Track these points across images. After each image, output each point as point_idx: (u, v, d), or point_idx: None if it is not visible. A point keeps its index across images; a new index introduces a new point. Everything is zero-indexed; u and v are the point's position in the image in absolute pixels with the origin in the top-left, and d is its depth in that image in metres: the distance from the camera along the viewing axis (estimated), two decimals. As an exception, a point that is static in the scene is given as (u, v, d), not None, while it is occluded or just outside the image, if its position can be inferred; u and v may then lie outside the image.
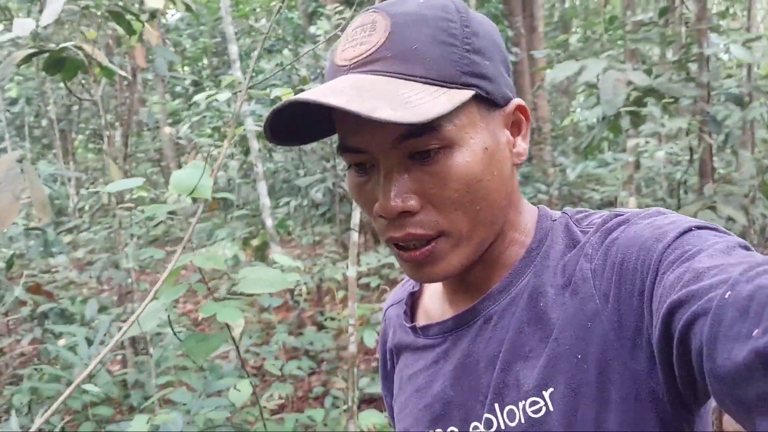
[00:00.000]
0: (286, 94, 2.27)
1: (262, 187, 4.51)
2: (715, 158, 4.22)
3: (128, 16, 2.21)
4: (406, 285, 0.98)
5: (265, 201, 4.49)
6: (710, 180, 3.34)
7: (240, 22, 8.55)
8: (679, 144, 4.61)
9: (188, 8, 2.78)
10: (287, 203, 6.65)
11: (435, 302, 0.88)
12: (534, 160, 7.96)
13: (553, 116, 11.32)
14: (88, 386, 1.79)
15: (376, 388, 3.40)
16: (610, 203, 7.23)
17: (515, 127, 0.77)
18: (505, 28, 7.74)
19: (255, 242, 5.30)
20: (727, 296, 0.49)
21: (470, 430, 0.75)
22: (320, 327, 4.85)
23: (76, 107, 9.84)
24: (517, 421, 0.70)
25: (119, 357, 3.74)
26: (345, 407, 2.79)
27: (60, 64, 2.20)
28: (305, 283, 4.49)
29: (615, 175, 7.37)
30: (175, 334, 1.44)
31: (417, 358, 0.86)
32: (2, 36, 2.08)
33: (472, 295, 0.80)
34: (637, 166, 6.68)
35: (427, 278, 0.73)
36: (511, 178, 0.76)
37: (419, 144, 0.68)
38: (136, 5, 3.16)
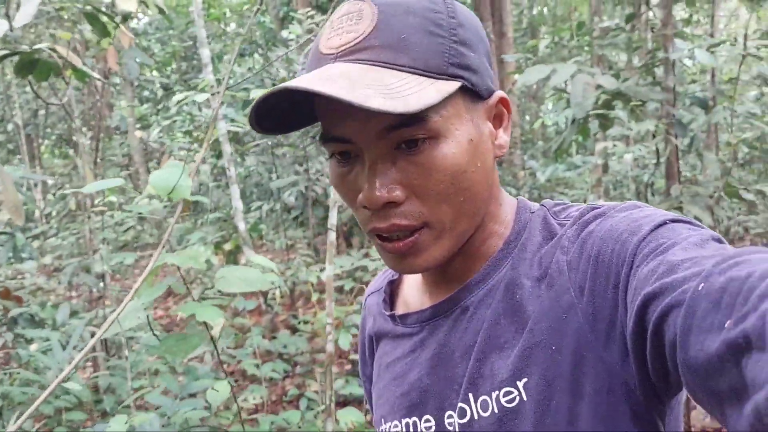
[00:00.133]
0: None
1: (235, 191, 4.49)
2: (680, 161, 4.33)
3: (103, 18, 2.19)
4: (386, 273, 0.98)
5: (238, 205, 4.46)
6: (676, 182, 3.43)
7: (210, 26, 8.50)
8: (647, 146, 4.72)
9: (161, 11, 2.77)
10: (259, 207, 6.62)
11: (414, 291, 0.89)
12: (504, 164, 8.06)
13: (522, 121, 11.45)
14: (69, 384, 1.77)
15: (351, 390, 3.41)
16: (579, 206, 7.32)
17: (497, 120, 0.77)
18: (475, 33, 7.83)
19: (227, 246, 5.27)
20: (700, 288, 0.50)
21: (445, 419, 0.76)
22: (294, 330, 4.83)
23: (42, 112, 9.68)
24: (490, 411, 0.70)
25: (89, 363, 3.69)
26: (322, 407, 2.79)
27: (32, 67, 2.18)
28: (279, 287, 4.48)
29: (584, 178, 7.50)
30: (154, 333, 1.43)
31: (395, 346, 0.86)
32: (-28, 37, 2.06)
33: (450, 286, 0.80)
34: (606, 169, 6.81)
35: (409, 269, 0.73)
36: (493, 170, 0.76)
37: (406, 134, 0.67)
38: (107, 8, 3.14)
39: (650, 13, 4.87)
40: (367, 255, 4.88)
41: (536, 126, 10.05)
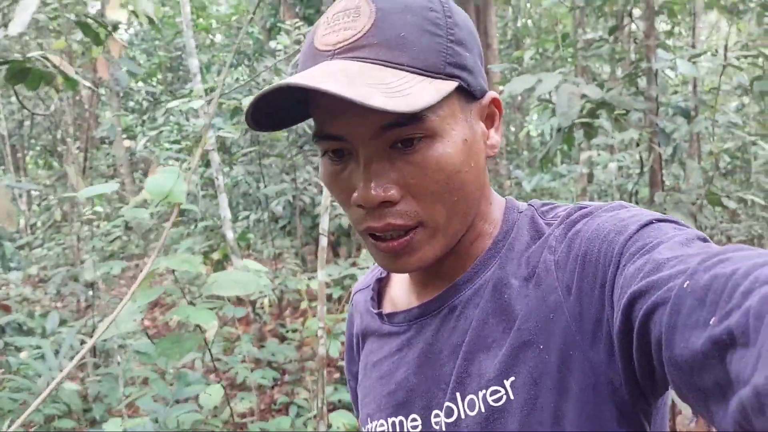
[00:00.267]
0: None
1: (223, 200, 4.49)
2: (664, 170, 4.40)
3: (95, 27, 2.21)
4: (374, 271, 0.98)
5: (226, 214, 4.47)
6: (660, 190, 3.49)
7: (197, 37, 8.52)
8: (631, 154, 4.79)
9: (151, 21, 2.79)
10: (247, 217, 6.62)
11: (401, 290, 0.89)
12: (490, 173, 8.11)
13: (507, 132, 11.54)
14: (67, 384, 1.77)
15: (340, 396, 3.42)
16: (565, 215, 7.38)
17: (489, 120, 0.77)
18: (461, 44, 7.88)
19: (215, 256, 5.27)
20: (685, 286, 0.50)
21: (431, 418, 0.76)
22: (282, 339, 4.83)
23: (27, 122, 9.63)
24: (477, 410, 0.71)
25: (78, 372, 3.68)
26: (313, 413, 2.80)
27: (23, 75, 2.19)
28: (267, 296, 4.48)
29: (569, 187, 7.57)
30: (149, 336, 1.45)
31: (382, 344, 0.86)
32: (-34, 45, 2.07)
33: (438, 285, 0.81)
34: (591, 179, 6.88)
35: (402, 269, 0.73)
36: (485, 170, 0.77)
37: (402, 134, 0.67)
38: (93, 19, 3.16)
39: (633, 25, 4.95)
40: (354, 264, 4.90)
41: (522, 136, 10.13)
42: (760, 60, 4.24)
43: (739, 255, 0.50)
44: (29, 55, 2.05)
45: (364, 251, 5.25)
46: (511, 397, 0.68)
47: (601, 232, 0.67)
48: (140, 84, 10.93)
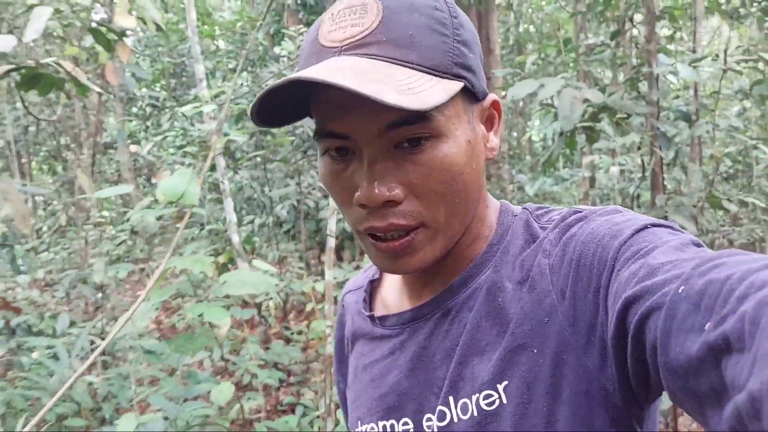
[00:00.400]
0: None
1: (229, 204, 4.53)
2: (665, 175, 4.43)
3: (107, 33, 2.26)
4: (367, 272, 0.97)
5: (232, 218, 4.51)
6: (662, 193, 3.53)
7: (201, 43, 8.58)
8: (633, 158, 4.83)
9: (159, 28, 2.84)
10: (251, 221, 6.67)
11: (394, 292, 0.88)
12: (492, 178, 8.16)
13: (509, 137, 11.59)
14: (89, 377, 1.81)
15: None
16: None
17: (489, 122, 0.77)
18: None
19: (221, 259, 5.31)
20: (680, 291, 0.50)
21: (423, 421, 0.76)
22: (287, 341, 4.87)
23: (32, 128, 9.70)
24: (470, 414, 0.70)
25: (86, 373, 3.72)
26: (320, 411, 2.84)
27: (35, 81, 2.23)
28: (272, 298, 4.52)
29: (571, 192, 7.61)
30: (160, 338, 1.48)
31: (373, 347, 0.85)
32: (-20, 52, 2.12)
33: (432, 288, 0.80)
34: (593, 183, 6.92)
35: (402, 269, 0.72)
36: (483, 173, 0.76)
37: (409, 132, 0.67)
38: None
39: (634, 30, 5.00)
40: (358, 267, 4.95)
41: (524, 140, 10.18)
42: (761, 64, 4.28)
43: (733, 260, 0.50)
44: (43, 61, 2.10)
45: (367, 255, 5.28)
46: (504, 401, 0.68)
47: (595, 236, 0.67)
48: (143, 90, 11.01)
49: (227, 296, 2.32)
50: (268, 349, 4.38)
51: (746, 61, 4.14)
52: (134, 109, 10.84)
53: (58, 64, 2.09)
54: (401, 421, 0.78)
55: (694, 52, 4.95)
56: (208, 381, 2.43)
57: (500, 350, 0.70)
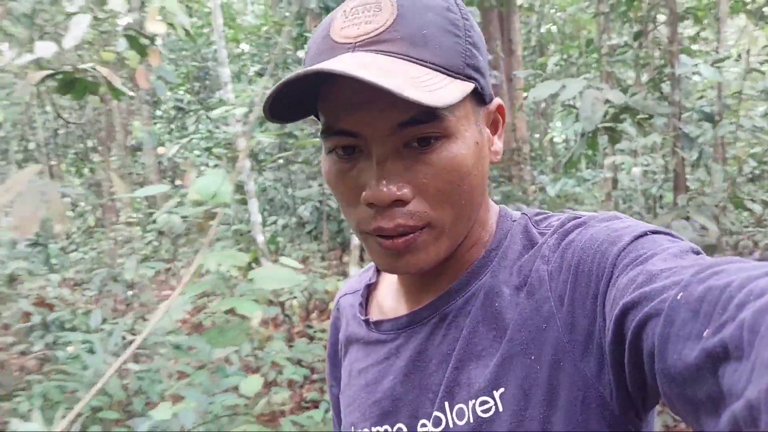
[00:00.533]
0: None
1: (253, 205, 4.63)
2: (689, 176, 4.43)
3: (141, 40, 2.35)
4: (363, 276, 0.96)
5: (257, 218, 4.60)
6: (684, 193, 3.53)
7: (226, 47, 8.70)
8: (655, 158, 4.82)
9: (187, 33, 2.93)
10: (274, 222, 6.77)
11: (390, 297, 0.87)
12: (514, 179, 8.16)
13: (531, 137, 11.57)
14: (131, 365, 1.89)
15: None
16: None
17: (493, 126, 0.77)
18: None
19: (230, 261, 5.38)
20: (679, 297, 0.50)
21: (418, 427, 0.75)
22: (310, 339, 4.94)
23: (61, 131, 9.93)
24: (465, 420, 0.70)
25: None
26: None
27: (71, 85, 2.32)
28: (295, 297, 4.60)
29: (593, 193, 7.59)
30: (191, 335, 1.55)
31: (368, 352, 0.84)
32: (24, 58, 2.21)
33: (429, 292, 0.79)
34: (615, 184, 6.90)
35: (405, 268, 0.71)
36: (487, 176, 0.76)
37: (420, 131, 0.66)
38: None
39: (657, 31, 4.99)
40: (380, 267, 4.98)
41: (546, 141, 10.16)
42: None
43: (733, 267, 0.50)
44: (80, 66, 2.19)
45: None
46: (500, 408, 0.67)
47: (594, 243, 0.67)
48: (168, 93, 11.18)
49: (255, 293, 2.39)
50: (291, 347, 4.46)
51: (769, 61, 4.12)
52: (158, 112, 11.03)
53: (95, 69, 2.18)
54: (395, 427, 0.78)
55: (717, 51, 4.93)
56: (237, 375, 2.51)
57: (497, 356, 0.69)
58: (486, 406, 0.68)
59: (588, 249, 0.66)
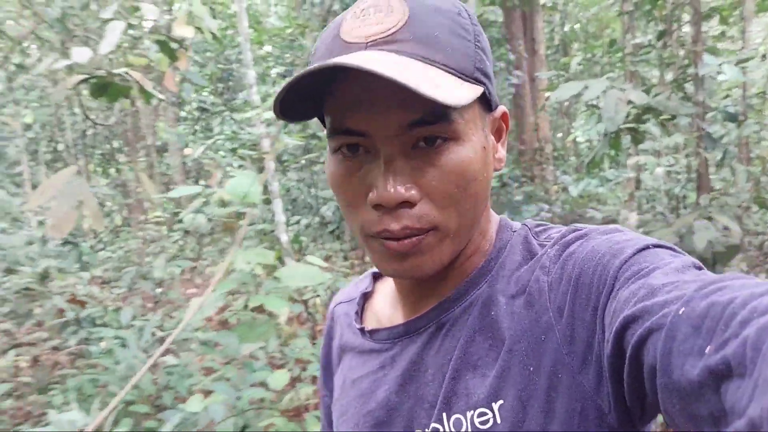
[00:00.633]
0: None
1: (278, 205, 4.69)
2: (713, 176, 4.41)
3: (171, 44, 2.42)
4: (359, 284, 0.95)
5: (281, 218, 4.66)
6: (707, 193, 3.53)
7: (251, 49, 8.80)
8: (677, 158, 4.81)
9: (214, 36, 3.00)
10: (297, 222, 6.85)
11: (386, 306, 0.86)
12: (536, 179, 8.14)
13: (554, 137, 11.52)
14: (167, 358, 1.96)
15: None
16: (613, 221, 7.40)
17: (497, 134, 0.77)
18: (507, 51, 7.96)
19: (259, 259, 5.47)
20: (681, 312, 0.50)
21: None
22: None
23: (89, 132, 10.12)
24: (464, 430, 0.69)
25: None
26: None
27: (104, 89, 2.40)
28: (319, 296, 4.66)
29: (616, 193, 7.56)
30: (219, 331, 1.61)
31: (362, 361, 0.83)
32: (60, 63, 2.30)
33: (425, 301, 0.79)
34: (638, 185, 6.86)
35: (409, 272, 0.70)
36: (491, 184, 0.76)
37: (428, 132, 0.66)
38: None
39: (682, 29, 4.97)
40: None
41: (568, 142, 10.12)
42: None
43: (736, 283, 0.50)
44: (115, 71, 2.27)
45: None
46: (498, 420, 0.67)
47: (595, 255, 0.66)
48: (192, 95, 11.31)
49: (280, 291, 2.45)
50: (314, 344, 4.52)
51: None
52: (182, 113, 11.19)
53: (127, 73, 2.26)
54: None
55: (742, 50, 4.89)
56: (264, 370, 2.57)
57: (496, 368, 0.68)
58: (484, 418, 0.67)
59: (589, 261, 0.66)
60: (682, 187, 4.49)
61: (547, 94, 8.32)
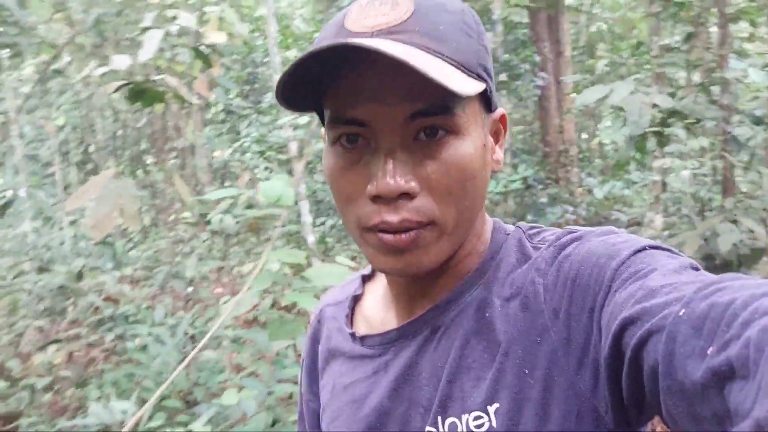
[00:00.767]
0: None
1: (304, 206, 4.78)
2: (740, 179, 4.39)
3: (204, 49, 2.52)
4: (346, 287, 0.94)
5: (307, 219, 4.75)
6: (732, 196, 3.53)
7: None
8: (701, 161, 4.78)
9: (245, 42, 3.08)
10: (323, 223, 6.95)
11: (377, 309, 0.85)
12: (561, 181, 8.12)
13: (579, 139, 11.46)
14: (207, 352, 2.04)
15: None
16: (638, 224, 7.36)
17: (495, 136, 0.77)
18: (532, 53, 7.96)
19: (291, 259, 5.56)
20: (681, 314, 0.49)
21: None
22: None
23: (119, 132, 10.33)
24: None
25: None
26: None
27: (141, 94, 2.49)
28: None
29: (642, 195, 7.51)
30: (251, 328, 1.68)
31: (354, 366, 0.82)
32: (100, 69, 2.40)
33: (420, 304, 0.78)
34: (664, 187, 6.82)
35: (406, 268, 0.69)
36: (488, 184, 0.75)
37: (429, 122, 0.66)
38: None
39: (709, 31, 4.94)
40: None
41: (594, 144, 10.07)
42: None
43: (736, 284, 0.50)
44: (153, 78, 2.36)
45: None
46: (494, 423, 0.66)
47: (592, 256, 0.66)
48: (215, 97, 11.45)
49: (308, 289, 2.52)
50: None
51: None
52: (208, 116, 11.35)
53: (164, 80, 2.35)
54: None
55: (770, 53, 4.86)
56: (293, 366, 2.65)
57: (492, 371, 0.68)
58: (480, 421, 0.67)
59: (585, 263, 0.66)
60: (708, 190, 4.47)
61: (572, 95, 8.30)
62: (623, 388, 0.58)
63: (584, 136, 12.28)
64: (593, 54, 11.59)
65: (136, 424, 1.88)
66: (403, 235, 0.66)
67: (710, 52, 4.56)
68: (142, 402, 2.77)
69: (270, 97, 7.97)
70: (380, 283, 0.87)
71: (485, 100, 0.71)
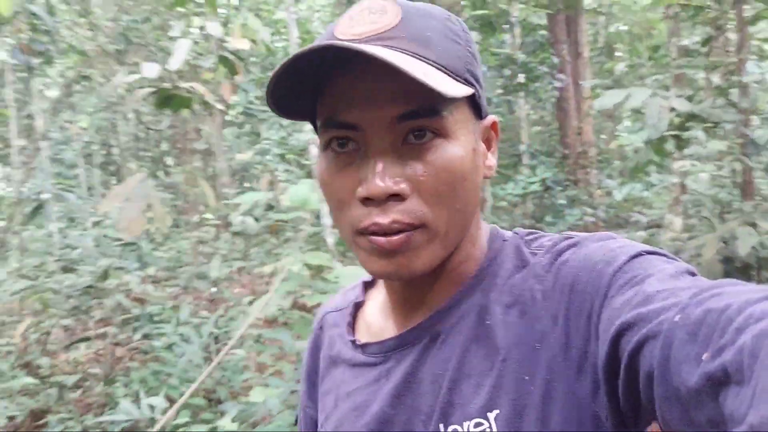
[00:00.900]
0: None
1: (324, 208, 4.85)
2: (760, 181, 4.38)
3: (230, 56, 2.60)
4: (348, 294, 0.94)
5: (327, 221, 4.81)
6: (751, 199, 3.53)
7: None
8: (720, 164, 4.77)
9: (267, 48, 3.15)
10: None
11: (378, 317, 0.84)
12: (580, 183, 8.11)
13: (598, 140, 11.40)
14: (237, 350, 2.10)
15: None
16: (658, 225, 7.33)
17: (487, 143, 0.77)
18: (551, 55, 7.95)
19: (316, 261, 5.63)
20: (677, 319, 0.50)
21: None
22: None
23: (141, 135, 10.49)
24: None
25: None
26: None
27: (168, 100, 2.57)
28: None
29: (662, 197, 7.48)
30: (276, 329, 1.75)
31: (355, 374, 0.82)
32: (130, 77, 2.48)
33: (419, 311, 0.77)
34: (684, 189, 6.79)
35: (398, 272, 0.69)
36: (480, 190, 0.75)
37: (418, 124, 0.66)
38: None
39: (726, 37, 4.93)
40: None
41: (613, 146, 10.03)
42: None
43: (732, 290, 0.50)
44: (181, 85, 2.43)
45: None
46: (494, 430, 0.66)
47: (589, 262, 0.66)
48: (237, 99, 11.57)
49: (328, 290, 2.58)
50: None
51: None
52: (227, 118, 11.48)
53: (192, 87, 2.42)
54: None
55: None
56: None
57: (492, 377, 0.68)
58: (480, 428, 0.67)
59: (583, 268, 0.66)
60: (728, 193, 4.47)
61: (591, 98, 8.27)
62: (620, 393, 0.58)
63: (603, 137, 12.23)
64: (611, 55, 11.54)
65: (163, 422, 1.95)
66: (394, 237, 0.66)
67: (729, 55, 4.56)
68: (169, 400, 2.85)
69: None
70: (381, 290, 0.86)
71: (475, 106, 0.72)
